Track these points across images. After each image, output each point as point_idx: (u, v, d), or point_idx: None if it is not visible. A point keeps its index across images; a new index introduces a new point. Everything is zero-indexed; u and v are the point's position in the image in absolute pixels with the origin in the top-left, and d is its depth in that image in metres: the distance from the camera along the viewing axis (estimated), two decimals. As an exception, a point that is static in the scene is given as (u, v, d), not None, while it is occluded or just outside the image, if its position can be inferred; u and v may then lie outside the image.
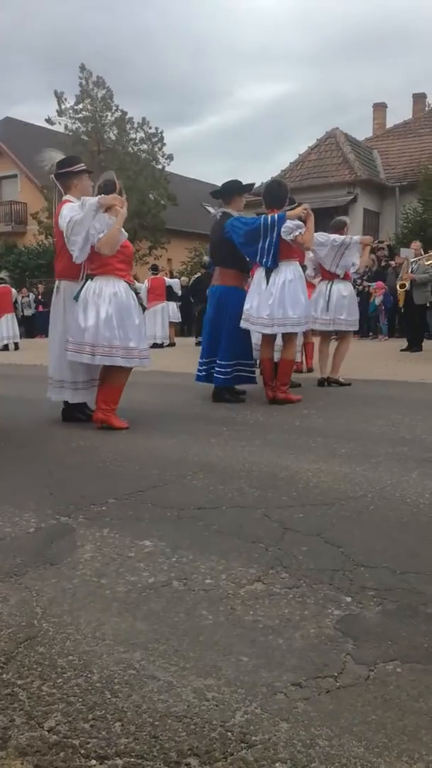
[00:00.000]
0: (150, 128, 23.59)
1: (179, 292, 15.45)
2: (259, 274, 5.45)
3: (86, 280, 4.47)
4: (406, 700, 1.38)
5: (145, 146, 23.74)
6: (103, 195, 4.41)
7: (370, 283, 14.30)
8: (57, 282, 4.84)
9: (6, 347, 14.57)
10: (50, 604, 1.87)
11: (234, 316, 5.55)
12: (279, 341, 5.72)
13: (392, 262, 14.15)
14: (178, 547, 2.27)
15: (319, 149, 21.83)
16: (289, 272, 5.37)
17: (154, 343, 12.83)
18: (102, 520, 2.57)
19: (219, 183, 6.10)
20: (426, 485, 2.93)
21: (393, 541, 2.28)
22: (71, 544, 2.33)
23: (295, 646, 1.60)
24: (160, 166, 23.81)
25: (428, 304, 10.90)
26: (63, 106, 22.60)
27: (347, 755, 1.22)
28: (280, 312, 5.30)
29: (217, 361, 5.64)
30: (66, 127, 22.90)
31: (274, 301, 5.30)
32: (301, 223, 5.25)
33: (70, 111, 22.75)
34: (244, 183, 5.93)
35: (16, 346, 14.87)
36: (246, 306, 5.46)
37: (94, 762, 1.23)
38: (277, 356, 5.67)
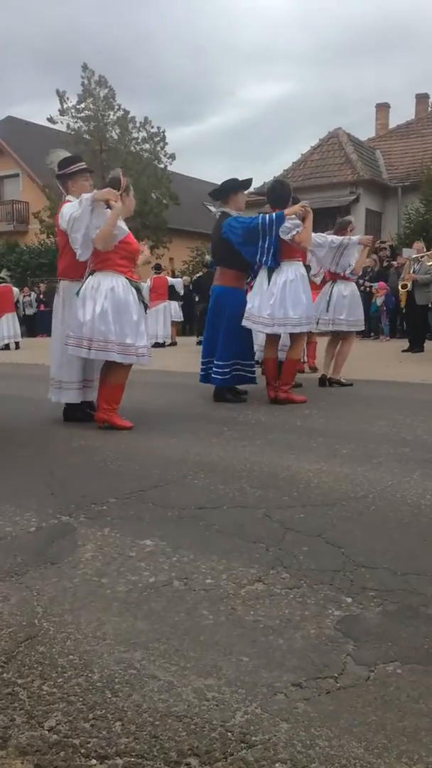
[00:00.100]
0: (152, 127, 23.61)
1: (181, 292, 15.46)
2: (262, 273, 5.46)
3: (87, 276, 4.48)
4: (406, 702, 1.38)
5: (147, 145, 23.73)
6: (96, 190, 4.42)
7: (371, 284, 14.28)
8: (58, 282, 4.87)
9: (7, 347, 14.59)
10: (51, 603, 1.87)
11: (231, 317, 5.56)
12: (286, 341, 5.73)
13: (394, 263, 14.13)
14: (178, 546, 2.27)
15: (322, 149, 21.81)
16: (290, 272, 5.37)
17: (156, 343, 12.85)
18: (103, 520, 2.58)
19: (221, 182, 6.08)
20: (427, 486, 2.93)
21: (394, 541, 2.28)
22: (72, 544, 2.33)
23: (295, 647, 1.60)
24: (162, 166, 23.82)
25: (430, 305, 10.88)
26: (65, 106, 22.62)
27: (347, 756, 1.22)
28: (281, 312, 5.31)
29: (215, 361, 5.65)
30: (68, 126, 22.90)
31: (275, 301, 5.31)
32: (299, 222, 5.24)
33: (72, 110, 22.76)
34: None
35: (17, 346, 14.88)
36: (248, 305, 5.47)
37: (94, 761, 1.24)
38: (282, 356, 5.68)
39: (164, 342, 14.04)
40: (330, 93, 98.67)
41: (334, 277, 6.55)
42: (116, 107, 23.11)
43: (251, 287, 5.72)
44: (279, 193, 5.56)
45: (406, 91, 67.10)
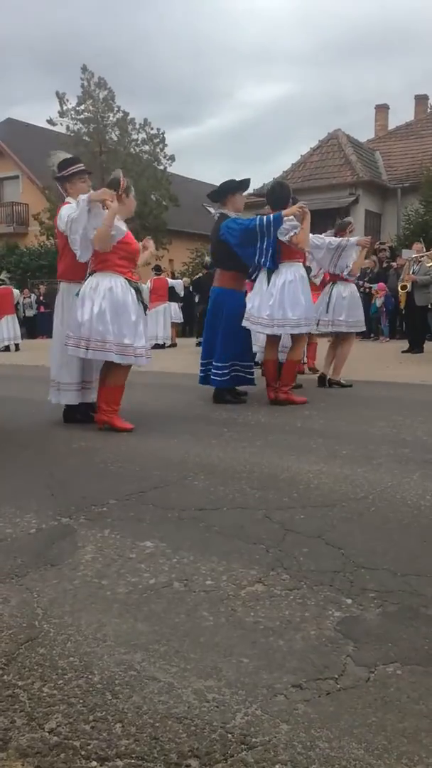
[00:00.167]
0: (152, 129, 23.64)
1: (182, 293, 15.48)
2: (262, 274, 5.46)
3: (87, 277, 4.48)
4: (407, 703, 1.38)
5: (146, 147, 23.77)
6: (92, 191, 4.44)
7: (371, 285, 14.29)
8: (58, 283, 4.88)
9: (7, 348, 14.60)
10: (51, 605, 1.87)
11: (230, 318, 5.56)
12: (286, 342, 5.73)
13: (393, 264, 14.13)
14: (179, 548, 2.27)
15: (321, 150, 21.83)
16: (289, 273, 5.38)
17: (156, 344, 12.86)
18: (103, 521, 2.58)
19: (219, 184, 6.08)
20: (427, 487, 2.93)
21: (394, 542, 2.28)
22: (72, 545, 2.33)
23: (295, 648, 1.60)
24: (161, 167, 23.85)
25: (430, 306, 10.88)
26: (65, 107, 22.66)
27: (347, 757, 1.22)
28: (279, 313, 5.32)
29: (213, 363, 5.66)
30: (68, 128, 22.95)
31: (275, 302, 5.32)
32: (296, 223, 5.25)
33: (72, 112, 22.80)
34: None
35: (17, 347, 14.89)
36: (248, 306, 5.49)
37: (94, 763, 1.24)
38: (282, 357, 5.68)
39: (164, 343, 14.05)
40: (329, 94, 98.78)
41: (333, 278, 6.57)
42: (116, 109, 23.18)
43: (251, 288, 5.73)
44: (278, 195, 5.56)
45: (406, 93, 67.20)
